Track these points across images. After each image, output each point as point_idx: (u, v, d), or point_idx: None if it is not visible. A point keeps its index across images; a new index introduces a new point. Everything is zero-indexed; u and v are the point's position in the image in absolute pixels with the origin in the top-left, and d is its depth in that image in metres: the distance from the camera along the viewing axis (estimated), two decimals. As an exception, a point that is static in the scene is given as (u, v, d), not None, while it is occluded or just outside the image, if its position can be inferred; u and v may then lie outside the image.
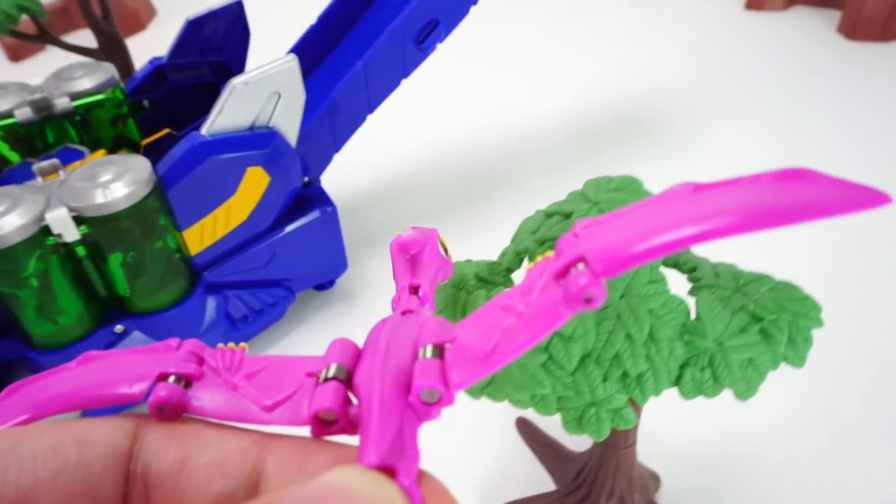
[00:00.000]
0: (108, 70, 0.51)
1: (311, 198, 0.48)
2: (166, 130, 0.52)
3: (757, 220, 0.11)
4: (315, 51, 0.53)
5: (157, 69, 0.51)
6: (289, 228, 0.47)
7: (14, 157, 0.50)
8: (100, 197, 0.38)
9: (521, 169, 0.62)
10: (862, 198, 0.11)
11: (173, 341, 0.16)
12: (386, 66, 0.49)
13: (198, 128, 0.52)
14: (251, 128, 0.43)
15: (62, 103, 0.49)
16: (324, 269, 0.50)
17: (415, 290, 0.17)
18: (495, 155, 0.64)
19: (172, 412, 0.14)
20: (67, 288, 0.40)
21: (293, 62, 0.42)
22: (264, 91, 0.42)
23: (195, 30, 0.51)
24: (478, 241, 0.56)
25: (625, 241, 0.11)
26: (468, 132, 0.67)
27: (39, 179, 0.41)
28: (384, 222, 0.58)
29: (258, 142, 0.43)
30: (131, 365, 0.15)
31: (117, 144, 0.52)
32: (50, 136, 0.50)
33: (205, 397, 0.14)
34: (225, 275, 0.46)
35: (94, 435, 0.14)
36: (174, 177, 0.41)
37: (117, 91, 0.51)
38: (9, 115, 0.48)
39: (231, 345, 0.16)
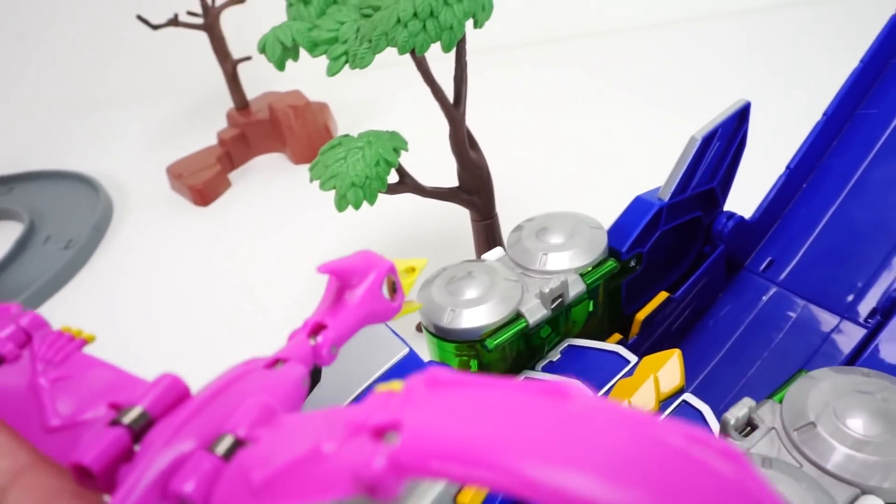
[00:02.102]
0: (593, 224, 0.35)
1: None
2: (664, 295, 0.37)
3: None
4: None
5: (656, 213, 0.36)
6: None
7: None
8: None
9: None
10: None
11: (14, 307, 0.14)
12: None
13: (684, 280, 0.37)
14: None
15: (576, 285, 0.33)
16: None
17: (317, 329, 0.14)
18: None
19: None
20: None
21: None
22: None
23: (703, 151, 0.36)
24: None
25: (450, 438, 0.10)
26: None
27: None
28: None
29: None
30: None
31: (591, 324, 0.37)
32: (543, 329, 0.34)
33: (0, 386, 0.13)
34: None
35: None
36: None
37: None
38: (517, 316, 0.32)
39: (75, 331, 0.14)
